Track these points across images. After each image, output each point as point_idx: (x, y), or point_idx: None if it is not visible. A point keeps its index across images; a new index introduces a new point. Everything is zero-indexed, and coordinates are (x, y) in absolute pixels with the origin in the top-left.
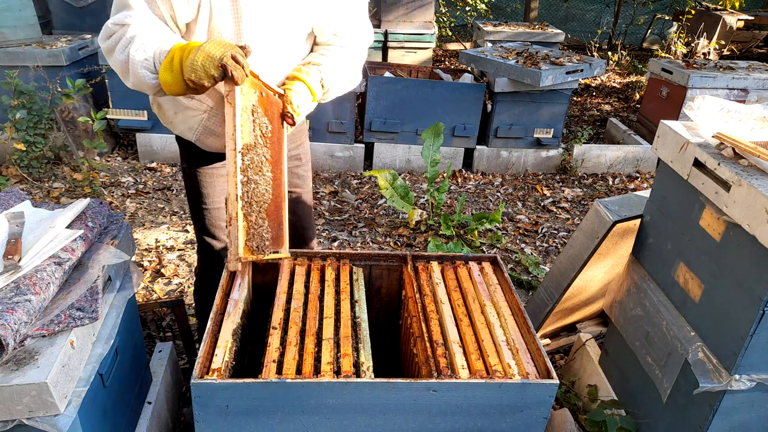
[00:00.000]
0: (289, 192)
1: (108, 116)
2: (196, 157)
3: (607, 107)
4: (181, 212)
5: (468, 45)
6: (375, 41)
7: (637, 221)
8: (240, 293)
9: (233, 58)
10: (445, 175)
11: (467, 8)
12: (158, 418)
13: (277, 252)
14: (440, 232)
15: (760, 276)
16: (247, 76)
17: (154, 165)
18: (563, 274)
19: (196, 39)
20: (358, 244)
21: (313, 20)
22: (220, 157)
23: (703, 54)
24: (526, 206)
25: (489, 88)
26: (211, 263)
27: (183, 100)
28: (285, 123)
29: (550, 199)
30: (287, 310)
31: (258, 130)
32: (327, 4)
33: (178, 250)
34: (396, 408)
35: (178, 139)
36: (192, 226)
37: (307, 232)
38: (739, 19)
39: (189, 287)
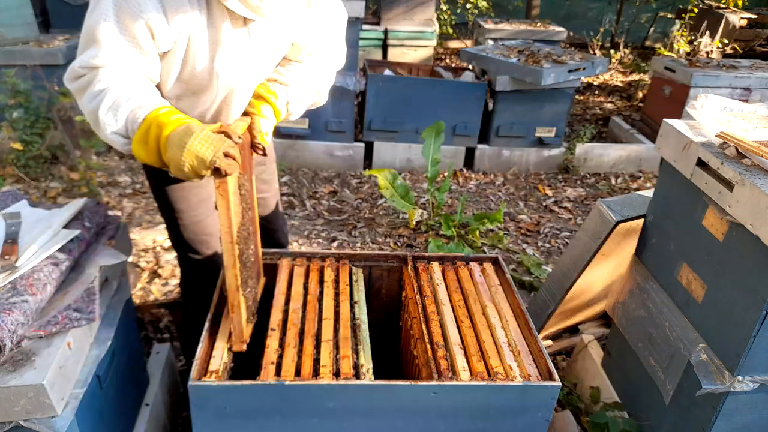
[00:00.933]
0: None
1: None
2: (162, 173)
3: (609, 106)
4: None
5: (469, 43)
6: (375, 39)
7: (640, 221)
8: None
9: (225, 154)
10: (445, 174)
11: (468, 6)
12: (156, 420)
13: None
14: (441, 232)
15: (763, 276)
16: (238, 163)
17: None
18: (565, 274)
19: (169, 68)
20: (358, 245)
21: (289, 46)
22: None
23: (706, 52)
24: (527, 206)
25: (490, 87)
26: (194, 277)
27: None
28: (254, 152)
29: (552, 199)
30: (286, 312)
31: (241, 189)
32: (306, 28)
33: None
34: (396, 410)
35: None
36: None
37: (277, 233)
38: (742, 18)
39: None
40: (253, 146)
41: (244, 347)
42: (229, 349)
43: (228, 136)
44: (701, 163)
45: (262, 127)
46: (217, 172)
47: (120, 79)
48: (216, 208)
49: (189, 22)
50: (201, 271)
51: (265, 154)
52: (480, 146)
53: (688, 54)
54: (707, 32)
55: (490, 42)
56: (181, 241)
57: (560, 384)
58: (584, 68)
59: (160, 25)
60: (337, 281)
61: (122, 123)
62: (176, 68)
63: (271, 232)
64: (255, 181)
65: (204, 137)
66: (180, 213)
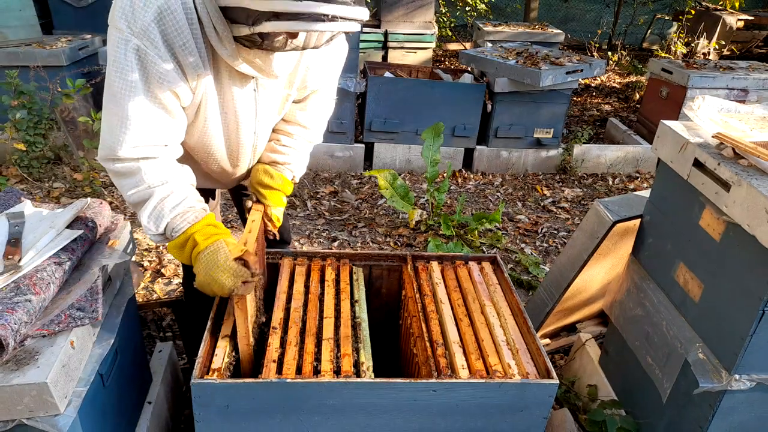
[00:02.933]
0: None
1: None
2: None
3: (607, 107)
4: None
5: (468, 45)
6: (375, 41)
7: (637, 221)
8: None
9: (244, 281)
10: (445, 175)
11: (467, 8)
12: (158, 418)
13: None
14: (440, 232)
15: (760, 276)
16: (255, 283)
17: None
18: (563, 274)
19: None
20: (358, 244)
21: (294, 96)
22: None
23: (703, 54)
24: (526, 206)
25: (489, 88)
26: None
27: None
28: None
29: (550, 199)
30: (287, 310)
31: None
32: (311, 80)
33: None
34: (396, 408)
35: None
36: None
37: (280, 229)
38: (739, 19)
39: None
40: (266, 233)
41: None
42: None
43: (247, 265)
44: (698, 164)
45: (273, 215)
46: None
47: (161, 177)
48: (233, 313)
49: (203, 82)
50: None
51: (275, 238)
52: (479, 147)
53: (685, 55)
54: (704, 34)
55: (489, 44)
56: None
57: (558, 382)
58: (582, 70)
59: (184, 89)
60: (337, 280)
61: (162, 230)
62: (190, 121)
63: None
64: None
65: (225, 268)
66: None
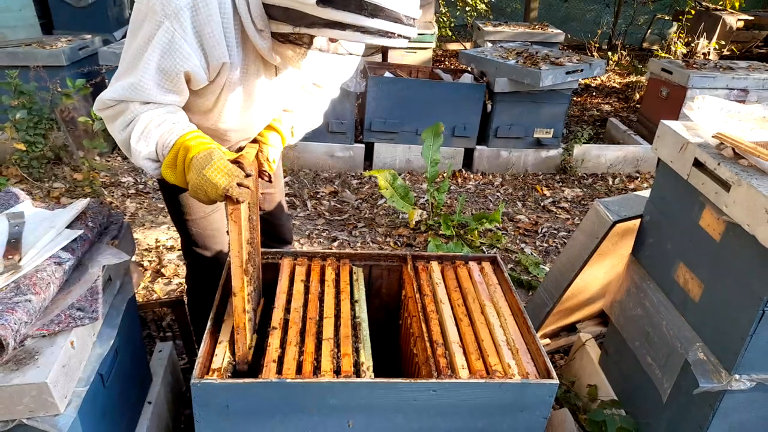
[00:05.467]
0: (262, 193)
1: None
2: None
3: (607, 107)
4: None
5: (468, 45)
6: None
7: (637, 221)
8: None
9: (239, 184)
10: (445, 175)
11: (467, 8)
12: (158, 418)
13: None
14: (440, 232)
15: (760, 276)
16: (252, 191)
17: None
18: (563, 274)
19: (202, 101)
20: (358, 244)
21: (309, 84)
22: None
23: (703, 54)
24: (526, 206)
25: (489, 88)
26: (200, 273)
27: None
28: (260, 178)
29: (550, 199)
30: (287, 310)
31: (250, 211)
32: (327, 71)
33: (179, 250)
34: (396, 408)
35: None
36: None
37: (282, 229)
38: (739, 20)
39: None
40: (260, 173)
41: (247, 368)
42: (234, 366)
43: (242, 167)
44: (698, 164)
45: (269, 154)
46: (230, 200)
47: (148, 108)
48: (228, 233)
49: (227, 70)
50: (207, 267)
51: (270, 181)
52: (479, 147)
53: (685, 56)
54: (704, 34)
55: (489, 44)
56: (188, 236)
57: (558, 382)
58: (582, 70)
59: (200, 73)
60: (337, 280)
61: (153, 148)
62: (205, 102)
63: (276, 227)
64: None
65: (220, 167)
66: (188, 208)
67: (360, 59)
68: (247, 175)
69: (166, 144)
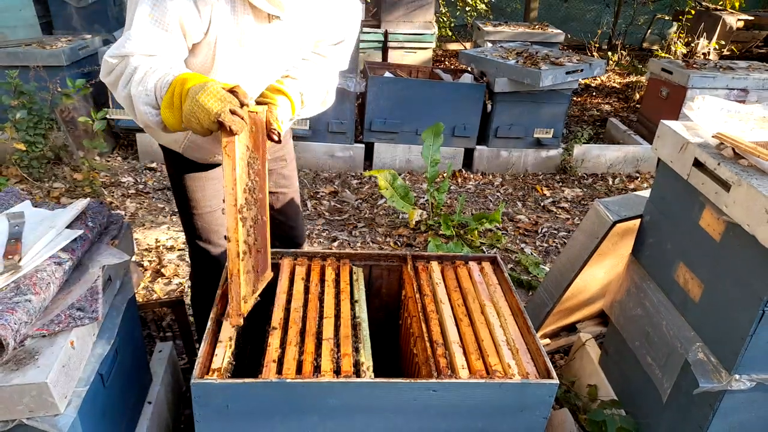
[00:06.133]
0: (275, 192)
1: (108, 116)
2: (182, 163)
3: (607, 107)
4: None
5: (468, 45)
6: (375, 41)
7: (637, 221)
8: None
9: (232, 111)
10: (445, 175)
11: (467, 8)
12: (158, 418)
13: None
14: (440, 232)
15: (760, 276)
16: (246, 123)
17: (154, 165)
18: (563, 274)
19: (199, 61)
20: (358, 244)
21: (310, 45)
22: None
23: (703, 54)
24: (526, 206)
25: (489, 88)
26: (207, 270)
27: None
28: (270, 140)
29: (550, 199)
30: (287, 310)
31: (251, 167)
32: (327, 28)
33: (179, 249)
34: (396, 408)
35: (163, 146)
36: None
37: (295, 230)
38: (739, 20)
39: (189, 287)
40: (269, 133)
41: (241, 321)
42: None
43: (237, 95)
44: (698, 164)
45: (278, 115)
46: (224, 129)
47: (148, 59)
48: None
49: (216, 14)
50: (210, 264)
51: (279, 141)
52: (479, 147)
53: (685, 56)
54: (704, 34)
55: (489, 44)
56: (193, 230)
57: (558, 382)
58: (582, 70)
59: (192, 16)
60: (337, 280)
61: (151, 90)
62: (202, 60)
63: (289, 229)
64: (275, 175)
65: (213, 92)
66: (195, 202)
67: (357, 22)
68: (242, 105)
69: (164, 84)
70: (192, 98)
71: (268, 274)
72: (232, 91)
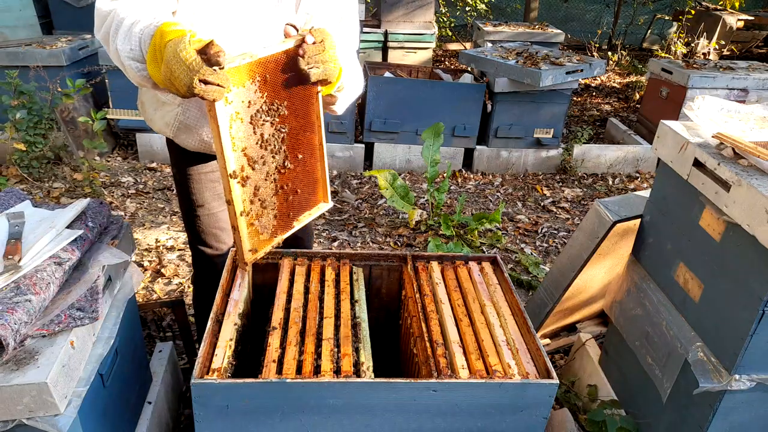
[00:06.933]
0: None
1: (108, 116)
2: (184, 161)
3: (607, 107)
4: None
5: (468, 45)
6: (375, 41)
7: (637, 221)
8: (240, 293)
9: (203, 81)
10: (445, 175)
11: (467, 8)
12: (158, 417)
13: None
14: (440, 232)
15: (760, 276)
16: (224, 87)
17: (154, 165)
18: (563, 274)
19: (184, 14)
20: (358, 244)
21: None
22: (210, 158)
23: (703, 54)
24: (526, 206)
25: (489, 88)
26: (205, 273)
27: (160, 95)
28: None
29: (550, 199)
30: (287, 310)
31: (262, 118)
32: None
33: (179, 249)
34: (396, 408)
35: (168, 142)
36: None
37: (303, 245)
38: (739, 19)
39: (189, 287)
40: (300, 74)
41: (246, 268)
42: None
43: (207, 57)
44: (698, 164)
45: (310, 51)
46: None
47: (133, 8)
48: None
49: None
50: (211, 266)
51: (325, 83)
52: (479, 147)
53: (685, 56)
54: (704, 34)
55: (489, 44)
56: (194, 232)
57: (558, 382)
58: (582, 70)
59: None
60: (337, 280)
61: (136, 44)
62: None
63: (297, 241)
64: (322, 117)
65: (183, 58)
66: (196, 204)
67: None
68: (216, 65)
69: (146, 37)
70: (167, 63)
71: (322, 205)
72: (204, 51)
